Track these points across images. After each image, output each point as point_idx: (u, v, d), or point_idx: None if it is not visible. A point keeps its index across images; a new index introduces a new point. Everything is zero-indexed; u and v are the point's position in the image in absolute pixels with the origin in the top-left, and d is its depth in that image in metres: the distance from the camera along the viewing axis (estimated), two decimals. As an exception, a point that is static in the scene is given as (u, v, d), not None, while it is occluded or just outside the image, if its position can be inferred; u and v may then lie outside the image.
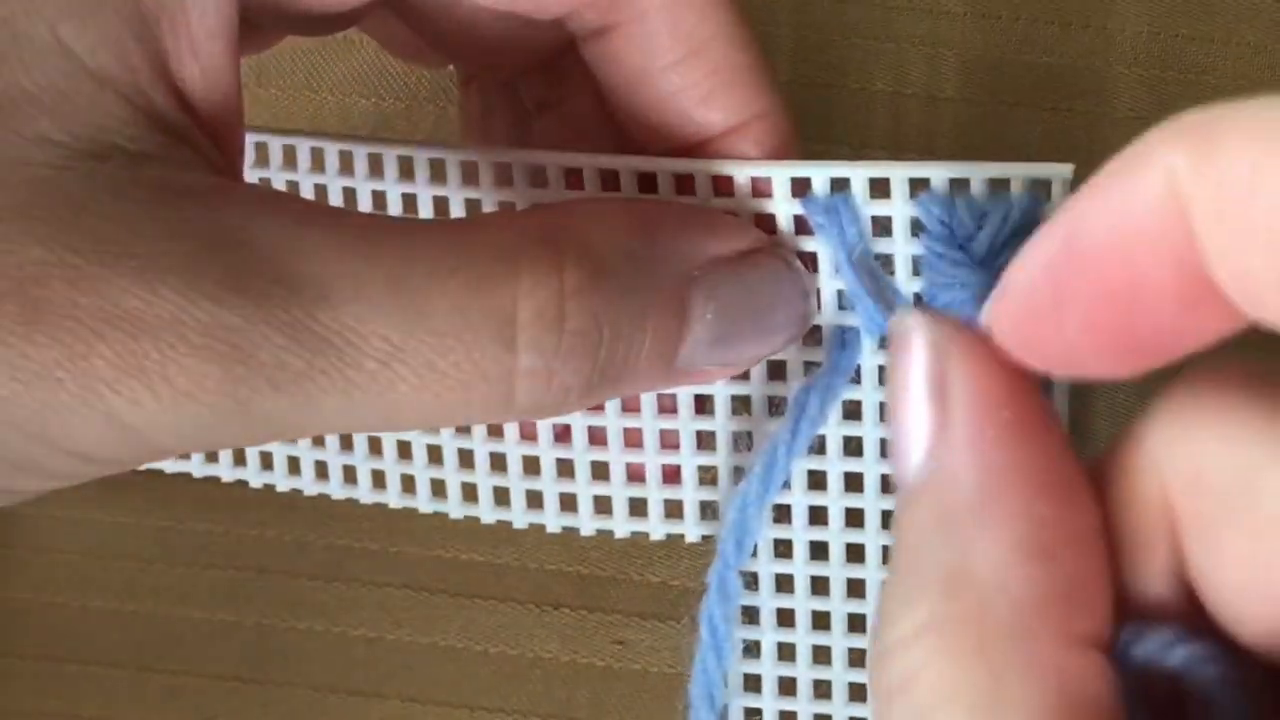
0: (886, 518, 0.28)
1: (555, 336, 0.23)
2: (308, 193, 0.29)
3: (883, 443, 0.27)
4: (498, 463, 0.29)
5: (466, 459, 0.29)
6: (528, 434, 0.29)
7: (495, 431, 0.29)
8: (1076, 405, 0.26)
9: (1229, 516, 0.18)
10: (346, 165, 0.28)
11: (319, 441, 0.30)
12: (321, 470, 0.31)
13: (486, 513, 0.30)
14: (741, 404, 0.28)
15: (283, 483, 0.31)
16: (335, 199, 0.29)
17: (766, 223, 0.26)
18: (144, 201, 0.22)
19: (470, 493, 0.30)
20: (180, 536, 0.35)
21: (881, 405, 0.27)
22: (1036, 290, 0.19)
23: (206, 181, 0.22)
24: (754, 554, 0.28)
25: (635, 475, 0.29)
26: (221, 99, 0.23)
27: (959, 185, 0.24)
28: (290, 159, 0.29)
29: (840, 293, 0.26)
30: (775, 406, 0.28)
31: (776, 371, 0.28)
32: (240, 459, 0.31)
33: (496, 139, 0.30)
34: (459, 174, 0.28)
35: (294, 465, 0.31)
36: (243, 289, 0.21)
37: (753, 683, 0.29)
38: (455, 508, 0.30)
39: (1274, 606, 0.18)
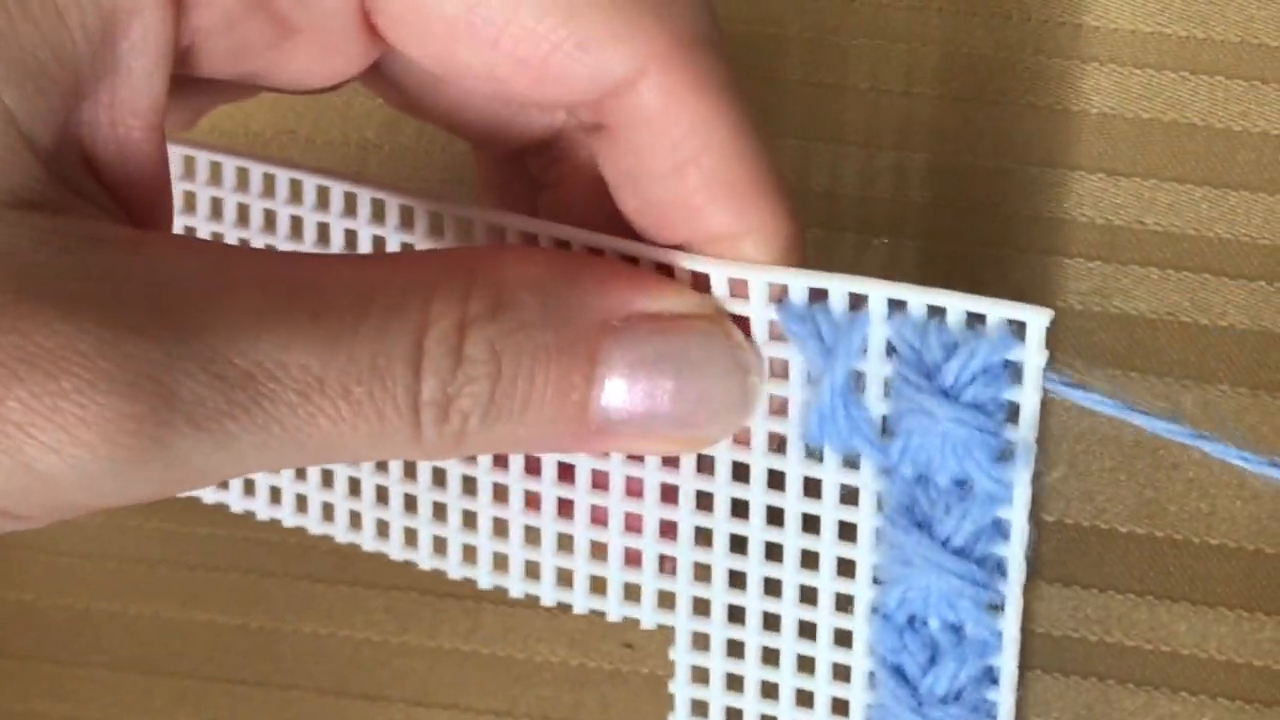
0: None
1: (452, 362, 0.23)
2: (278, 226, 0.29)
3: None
4: (500, 528, 0.29)
5: (470, 520, 0.29)
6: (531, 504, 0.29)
7: (500, 497, 0.29)
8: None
9: None
10: (323, 201, 0.29)
11: (328, 482, 0.30)
12: (327, 512, 0.31)
13: (484, 577, 0.30)
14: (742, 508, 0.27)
15: (290, 519, 0.31)
16: (310, 235, 0.29)
17: (743, 325, 0.25)
18: (65, 248, 0.21)
19: (470, 554, 0.30)
20: (185, 539, 0.35)
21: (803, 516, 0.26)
22: None
23: (124, 232, 0.22)
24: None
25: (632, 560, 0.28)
26: (137, 175, 0.23)
27: (935, 311, 0.24)
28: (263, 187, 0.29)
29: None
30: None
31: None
32: (249, 489, 0.31)
33: (511, 204, 0.30)
34: (397, 218, 0.28)
35: (302, 503, 0.31)
36: (165, 325, 0.21)
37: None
38: (454, 568, 0.30)
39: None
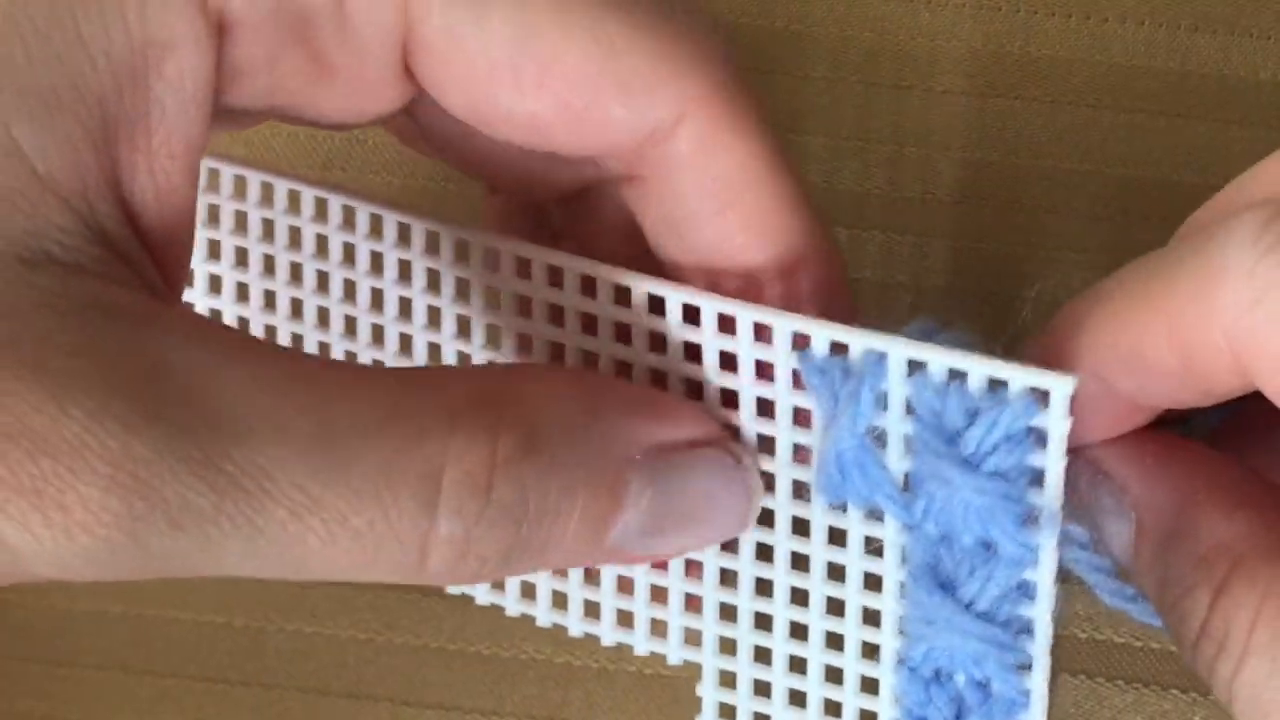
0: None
1: (479, 505, 0.22)
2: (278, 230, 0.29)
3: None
4: None
5: None
6: None
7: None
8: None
9: None
10: (321, 212, 0.28)
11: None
12: None
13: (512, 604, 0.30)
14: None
15: None
16: (309, 242, 0.28)
17: (767, 370, 0.25)
18: (68, 316, 0.21)
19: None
20: (169, 537, 0.35)
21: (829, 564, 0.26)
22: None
23: (137, 302, 0.21)
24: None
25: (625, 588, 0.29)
26: (172, 220, 0.22)
27: (957, 375, 0.23)
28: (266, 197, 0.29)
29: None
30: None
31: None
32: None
33: None
34: (423, 242, 0.27)
35: None
36: (157, 419, 0.20)
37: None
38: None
39: None
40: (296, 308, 0.29)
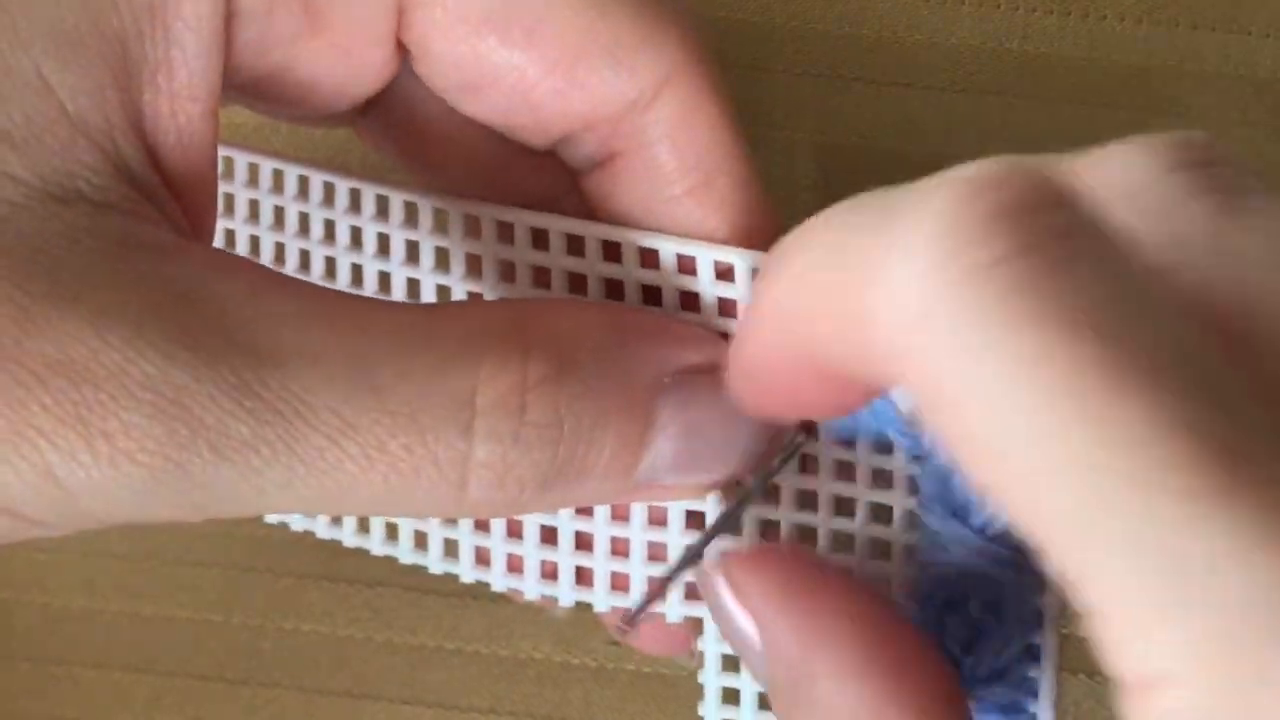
0: None
1: (514, 427, 0.22)
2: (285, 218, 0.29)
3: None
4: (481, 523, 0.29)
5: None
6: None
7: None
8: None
9: None
10: (329, 198, 0.28)
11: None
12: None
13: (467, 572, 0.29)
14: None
15: (271, 516, 0.30)
16: (317, 228, 0.28)
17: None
18: (101, 251, 0.21)
19: (452, 548, 0.29)
20: (166, 535, 0.35)
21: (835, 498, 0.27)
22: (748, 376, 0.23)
23: (167, 238, 0.22)
24: None
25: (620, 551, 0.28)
26: (195, 162, 0.23)
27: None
28: (273, 182, 0.29)
29: None
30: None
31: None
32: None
33: None
34: (431, 221, 0.27)
35: None
36: (194, 346, 0.21)
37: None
38: (435, 563, 0.29)
39: None
40: None
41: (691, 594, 0.28)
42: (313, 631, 0.35)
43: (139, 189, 0.22)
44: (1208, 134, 0.19)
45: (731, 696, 0.28)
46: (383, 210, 0.28)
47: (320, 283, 0.29)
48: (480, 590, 0.34)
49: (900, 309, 0.18)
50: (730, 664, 0.28)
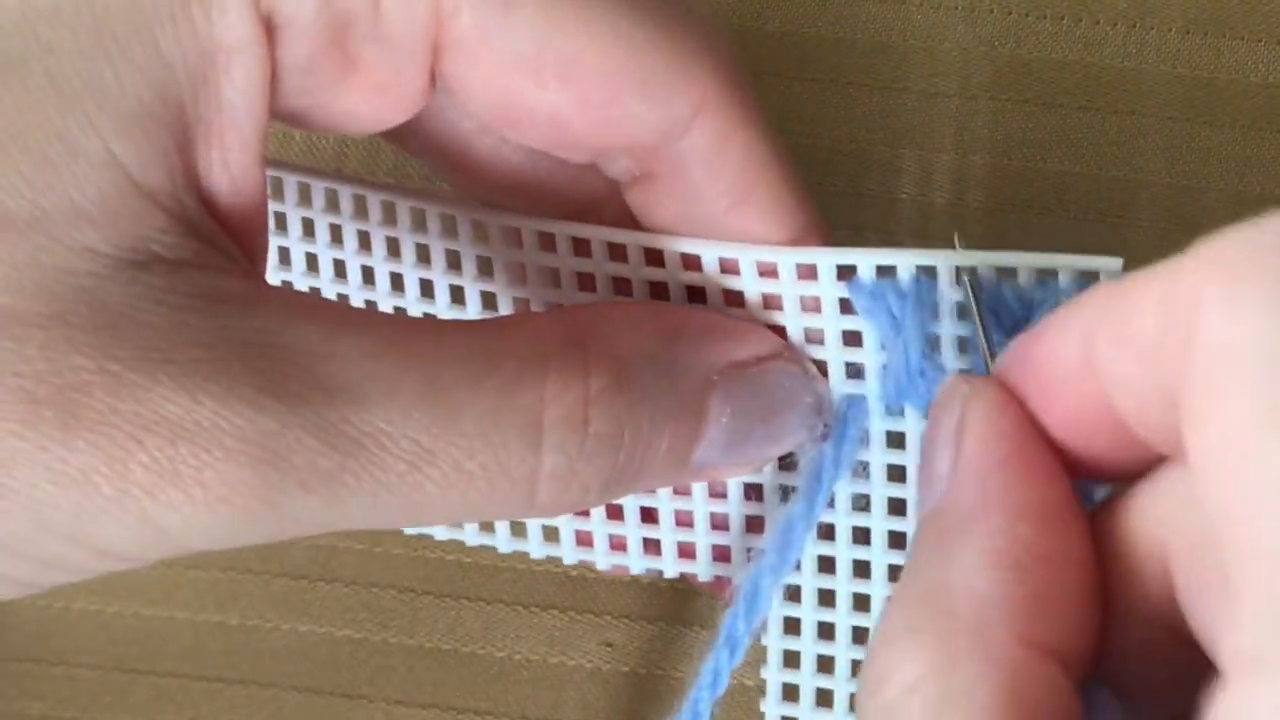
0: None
1: (579, 439, 0.24)
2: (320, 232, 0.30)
3: (890, 501, 0.28)
4: None
5: None
6: None
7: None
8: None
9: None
10: (360, 210, 0.29)
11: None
12: None
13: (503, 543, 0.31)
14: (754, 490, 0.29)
15: None
16: (350, 241, 0.29)
17: (811, 304, 0.26)
18: (182, 308, 0.22)
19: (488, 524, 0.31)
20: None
21: (888, 467, 0.27)
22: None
23: (240, 286, 0.23)
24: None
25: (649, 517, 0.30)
26: (246, 202, 0.24)
27: (1006, 272, 0.25)
28: (305, 198, 0.29)
29: (848, 364, 0.27)
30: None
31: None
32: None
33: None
34: (470, 231, 0.28)
35: None
36: (278, 394, 0.22)
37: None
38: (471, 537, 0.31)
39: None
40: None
41: (720, 556, 0.29)
42: (310, 632, 0.35)
43: (204, 240, 0.23)
44: None
45: (791, 693, 0.29)
46: (420, 223, 0.28)
47: (358, 293, 0.30)
48: (476, 591, 0.35)
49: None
50: (791, 660, 0.29)
